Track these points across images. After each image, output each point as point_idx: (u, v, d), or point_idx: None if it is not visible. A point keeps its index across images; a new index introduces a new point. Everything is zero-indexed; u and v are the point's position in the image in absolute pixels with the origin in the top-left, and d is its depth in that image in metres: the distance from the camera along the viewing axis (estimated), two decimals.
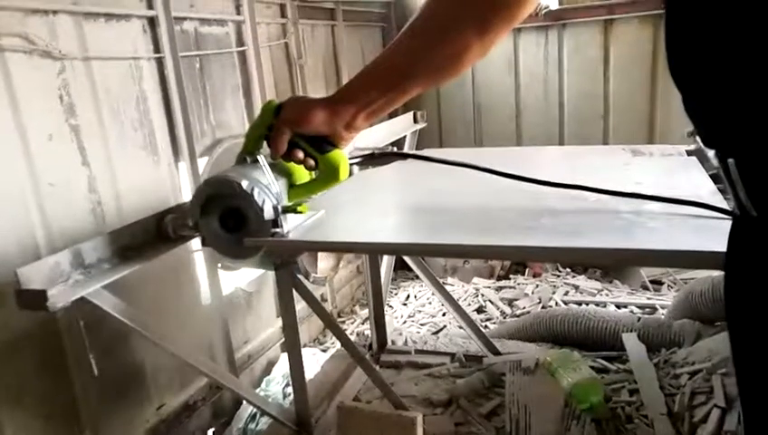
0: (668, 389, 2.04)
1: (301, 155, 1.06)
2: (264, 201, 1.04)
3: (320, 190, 1.15)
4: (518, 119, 4.40)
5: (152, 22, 2.30)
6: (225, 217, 1.09)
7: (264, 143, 1.09)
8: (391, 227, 1.23)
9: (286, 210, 1.08)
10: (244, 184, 1.03)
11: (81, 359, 1.93)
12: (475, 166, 1.17)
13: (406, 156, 1.36)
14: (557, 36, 4.14)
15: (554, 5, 4.04)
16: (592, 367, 2.20)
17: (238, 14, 2.79)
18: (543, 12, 4.00)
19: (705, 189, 1.23)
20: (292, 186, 1.14)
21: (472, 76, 4.37)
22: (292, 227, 1.10)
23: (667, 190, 1.16)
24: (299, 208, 1.09)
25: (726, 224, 0.61)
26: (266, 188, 1.06)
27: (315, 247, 1.30)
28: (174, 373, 2.41)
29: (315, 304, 1.93)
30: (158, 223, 1.36)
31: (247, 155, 1.11)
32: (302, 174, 1.16)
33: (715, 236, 0.91)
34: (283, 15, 3.19)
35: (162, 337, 1.44)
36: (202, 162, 2.55)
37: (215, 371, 1.65)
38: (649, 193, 1.13)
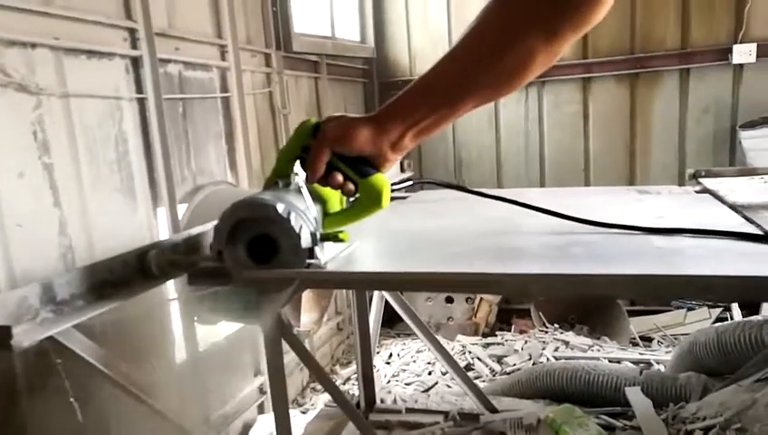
0: None
1: (340, 178, 0.95)
2: (301, 227, 0.90)
3: (360, 218, 1.02)
4: (499, 172, 4.41)
5: (136, 62, 2.23)
6: (254, 245, 0.95)
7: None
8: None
9: (325, 238, 0.94)
10: (280, 208, 0.89)
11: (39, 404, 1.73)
12: (517, 202, 1.14)
13: (448, 186, 1.24)
14: (537, 93, 4.21)
15: None
16: (598, 424, 2.07)
17: (223, 60, 2.74)
18: None
19: (734, 221, 1.17)
20: (326, 214, 1.02)
21: (453, 131, 4.39)
22: (329, 258, 0.96)
23: (693, 223, 1.09)
24: (340, 236, 0.94)
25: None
26: (303, 213, 0.93)
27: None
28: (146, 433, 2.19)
29: (305, 355, 1.78)
30: (139, 258, 1.23)
31: (279, 178, 0.99)
32: (335, 201, 1.04)
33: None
34: (268, 65, 3.16)
35: (145, 391, 1.29)
36: (181, 209, 2.42)
37: (202, 432, 1.48)
38: (680, 227, 1.05)
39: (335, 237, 0.94)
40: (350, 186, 0.96)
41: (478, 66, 0.85)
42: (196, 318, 2.45)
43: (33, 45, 1.83)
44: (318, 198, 1.00)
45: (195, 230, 1.25)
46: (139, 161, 2.25)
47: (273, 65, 3.16)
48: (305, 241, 0.90)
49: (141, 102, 2.25)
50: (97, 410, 1.91)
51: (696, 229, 1.05)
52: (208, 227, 1.27)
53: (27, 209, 1.79)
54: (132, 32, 2.20)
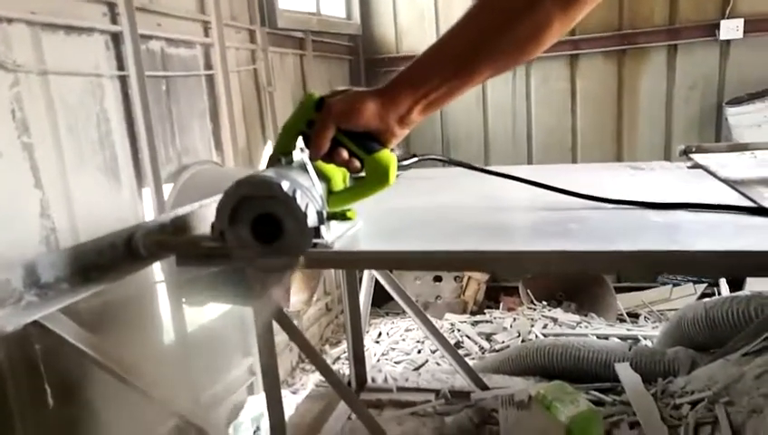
0: (670, 420, 1.94)
1: (345, 155, 0.92)
2: (307, 206, 0.87)
3: (366, 196, 0.98)
4: (486, 152, 4.39)
5: (116, 38, 2.16)
6: (257, 225, 0.91)
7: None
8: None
9: (332, 217, 0.91)
10: (285, 186, 0.86)
11: (29, 389, 1.70)
12: (520, 178, 1.12)
13: (454, 163, 1.21)
14: (525, 70, 4.18)
15: None
16: (588, 399, 2.08)
17: (207, 36, 2.68)
18: None
19: (730, 196, 1.16)
20: (330, 191, 0.98)
21: (440, 110, 4.35)
22: (335, 237, 0.93)
23: (691, 198, 1.08)
24: (348, 214, 0.91)
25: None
26: (308, 191, 0.89)
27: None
28: (136, 417, 2.17)
29: (297, 336, 1.77)
30: (127, 239, 1.20)
31: (282, 155, 0.95)
32: (338, 179, 1.01)
33: None
34: (253, 41, 3.09)
35: (133, 374, 1.26)
36: (167, 189, 2.38)
37: (192, 412, 1.46)
38: (683, 202, 1.04)
39: (342, 216, 0.90)
40: (356, 162, 0.93)
41: (492, 34, 0.83)
42: (184, 300, 2.42)
43: (10, 20, 1.77)
44: (322, 176, 0.97)
45: (182, 210, 1.22)
46: (123, 141, 2.20)
47: (257, 42, 3.10)
48: (312, 220, 0.87)
49: (123, 80, 2.19)
50: (85, 395, 1.88)
51: (699, 204, 1.03)
52: (195, 207, 1.24)
53: (6, 191, 1.74)
54: (112, 6, 2.13)
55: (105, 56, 2.13)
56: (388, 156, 0.93)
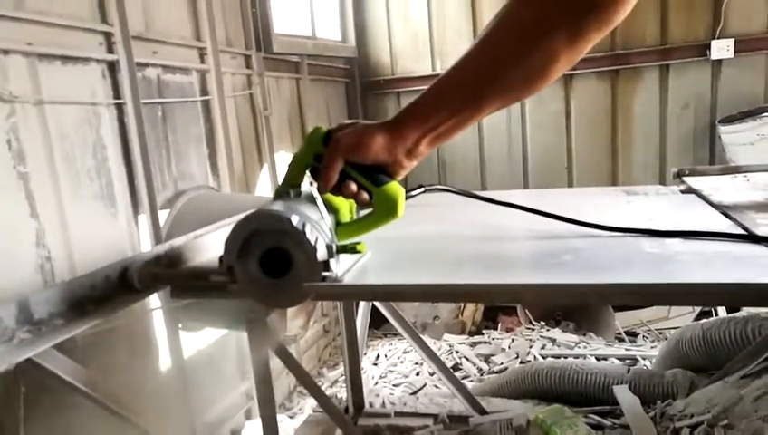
0: None
1: (354, 188, 0.92)
2: (317, 239, 0.86)
3: (374, 228, 0.98)
4: (482, 174, 4.40)
5: (112, 67, 2.18)
6: (266, 259, 0.91)
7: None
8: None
9: (342, 250, 0.91)
10: (295, 220, 0.86)
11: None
12: (524, 207, 1.13)
13: (459, 193, 1.21)
14: None
15: None
16: (587, 423, 2.07)
17: (203, 62, 2.70)
18: None
19: (723, 223, 1.16)
20: (338, 223, 0.99)
21: None
22: (344, 270, 0.92)
23: (684, 225, 1.09)
24: (357, 247, 0.91)
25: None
26: (317, 224, 0.89)
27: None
28: None
29: (292, 363, 1.76)
30: (122, 272, 1.19)
31: (291, 188, 0.96)
32: (345, 211, 1.01)
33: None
34: (249, 66, 3.12)
35: (127, 408, 1.25)
36: (163, 215, 2.38)
37: None
38: (673, 229, 1.05)
39: (352, 249, 0.90)
40: (364, 195, 0.93)
41: (499, 68, 0.83)
42: (180, 325, 2.41)
43: (6, 52, 1.78)
44: (329, 207, 0.97)
45: (177, 241, 1.22)
46: (119, 168, 2.20)
47: (253, 67, 3.12)
48: (321, 254, 0.86)
49: (119, 108, 2.20)
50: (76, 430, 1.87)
51: (694, 232, 1.04)
52: (190, 238, 1.24)
53: (1, 220, 1.74)
54: (108, 36, 2.15)
55: (101, 85, 2.14)
56: (397, 188, 0.93)
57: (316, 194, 0.94)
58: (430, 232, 1.27)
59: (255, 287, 0.91)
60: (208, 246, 1.28)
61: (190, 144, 2.62)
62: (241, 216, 0.92)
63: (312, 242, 0.85)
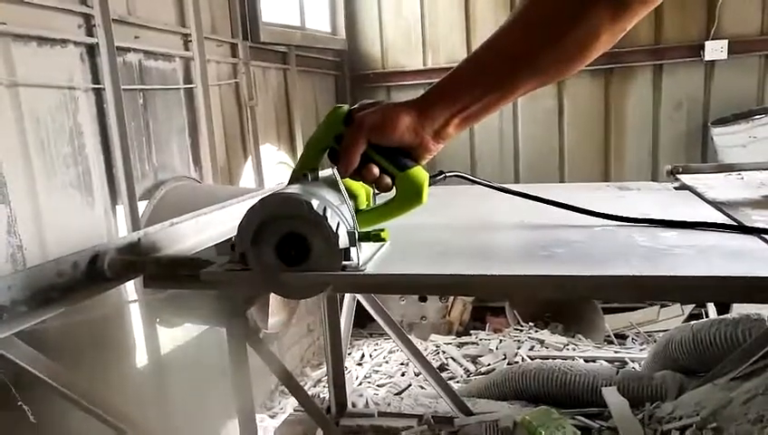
0: None
1: (376, 171, 0.86)
2: (338, 225, 0.80)
3: (397, 215, 0.92)
4: (473, 171, 4.35)
5: (92, 50, 2.11)
6: (282, 246, 0.84)
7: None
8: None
9: (365, 238, 0.83)
10: (315, 204, 0.79)
11: None
12: (540, 198, 1.09)
13: (476, 182, 1.15)
14: None
15: None
16: (574, 425, 2.02)
17: (187, 49, 2.63)
18: None
19: (718, 218, 1.12)
20: (357, 210, 0.92)
21: None
22: (365, 259, 0.85)
23: (680, 218, 1.04)
24: (382, 235, 0.83)
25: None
26: (338, 209, 0.83)
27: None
28: None
29: (272, 360, 1.70)
30: (92, 259, 1.13)
31: (308, 171, 0.90)
32: (362, 197, 0.96)
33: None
34: (234, 55, 3.05)
35: (98, 403, 1.18)
36: (142, 206, 2.31)
37: None
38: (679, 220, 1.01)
39: (376, 237, 0.83)
40: (387, 180, 0.87)
41: (536, 45, 0.78)
42: (158, 320, 2.34)
43: None
44: (348, 193, 0.90)
45: (152, 229, 1.16)
46: (97, 156, 2.13)
47: (239, 56, 3.05)
48: (343, 241, 0.80)
49: (98, 93, 2.13)
50: (47, 427, 1.79)
51: (689, 222, 1.01)
52: (166, 225, 1.18)
53: None
54: (88, 18, 2.08)
55: (80, 69, 2.07)
56: (422, 173, 0.88)
57: (338, 177, 0.88)
58: (430, 223, 1.22)
59: (270, 276, 0.84)
60: (184, 234, 1.22)
61: (172, 133, 2.55)
62: (246, 200, 0.85)
63: (333, 228, 0.79)
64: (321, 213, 0.79)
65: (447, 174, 1.05)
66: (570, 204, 1.09)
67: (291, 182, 0.92)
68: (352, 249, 0.81)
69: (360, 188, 0.94)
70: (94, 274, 1.11)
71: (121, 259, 1.10)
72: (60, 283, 1.07)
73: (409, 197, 0.89)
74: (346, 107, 0.89)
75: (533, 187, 1.28)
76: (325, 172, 0.93)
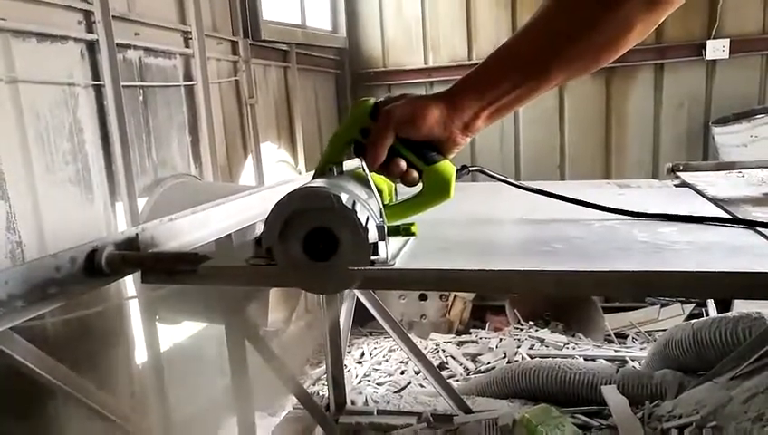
0: None
1: (403, 166, 0.86)
2: (367, 219, 0.79)
3: (424, 209, 0.92)
4: None
5: (92, 47, 2.10)
6: (310, 240, 0.82)
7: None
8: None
9: (395, 232, 0.83)
10: (344, 197, 0.78)
11: None
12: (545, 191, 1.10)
13: (497, 179, 1.14)
14: None
15: None
16: (574, 423, 2.02)
17: (187, 46, 2.62)
18: None
19: (718, 214, 1.12)
20: (384, 204, 0.92)
21: None
22: (392, 253, 0.84)
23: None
24: (412, 229, 0.83)
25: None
26: (367, 203, 0.82)
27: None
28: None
29: (271, 357, 1.70)
30: (89, 254, 1.12)
31: (334, 165, 0.89)
32: (385, 192, 0.95)
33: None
34: (235, 53, 3.04)
35: (91, 398, 1.18)
36: (141, 202, 2.30)
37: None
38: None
39: (406, 231, 0.83)
40: (414, 174, 0.87)
41: (568, 37, 0.77)
42: (157, 317, 2.34)
43: None
44: (376, 187, 0.90)
45: (151, 224, 1.16)
46: (96, 152, 2.13)
47: (239, 53, 3.04)
48: (372, 236, 0.79)
49: (98, 90, 2.12)
50: (43, 422, 1.79)
51: (691, 216, 1.02)
52: (165, 221, 1.18)
53: None
54: (88, 14, 2.07)
55: (79, 65, 2.06)
56: (449, 167, 0.88)
57: (366, 170, 0.87)
58: (432, 218, 1.22)
59: (297, 271, 0.83)
60: (183, 230, 1.22)
61: (172, 130, 2.55)
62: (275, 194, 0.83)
63: (363, 222, 0.78)
64: (351, 207, 0.78)
65: (471, 169, 1.05)
66: (590, 202, 1.11)
67: (316, 176, 0.91)
68: (381, 244, 0.80)
69: (382, 182, 0.94)
70: (92, 269, 1.10)
71: (119, 254, 1.10)
72: (57, 278, 1.06)
73: (437, 191, 0.89)
74: (372, 100, 0.89)
75: (537, 184, 1.27)
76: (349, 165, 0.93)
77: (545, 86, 0.82)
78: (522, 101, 0.84)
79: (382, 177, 0.92)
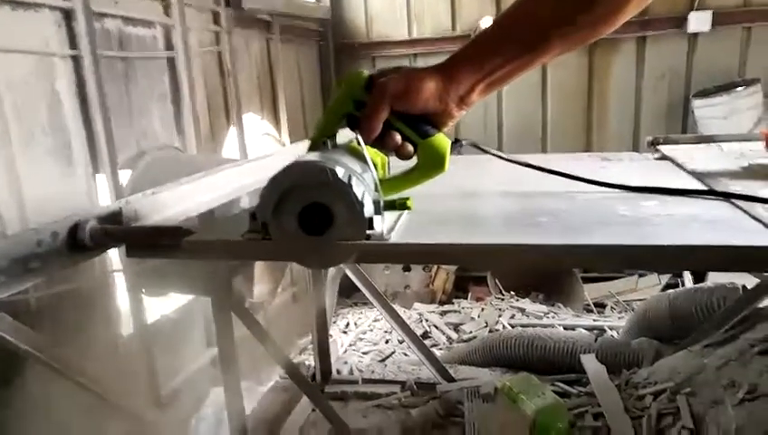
0: (633, 411, 1.94)
1: (398, 139, 0.85)
2: (363, 194, 0.79)
3: (418, 183, 0.92)
4: None
5: (68, 15, 2.05)
6: (303, 215, 0.82)
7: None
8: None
9: (390, 206, 0.83)
10: (340, 172, 0.77)
11: None
12: (540, 167, 1.11)
13: (487, 152, 1.14)
14: None
15: None
16: (554, 391, 2.07)
17: (167, 16, 2.57)
18: None
19: (697, 187, 1.14)
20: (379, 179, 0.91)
21: None
22: (387, 228, 0.84)
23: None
24: (407, 203, 0.84)
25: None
26: (362, 177, 0.81)
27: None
28: (85, 416, 2.09)
29: (257, 329, 1.71)
30: (72, 228, 1.12)
31: (327, 138, 0.88)
32: (378, 164, 0.95)
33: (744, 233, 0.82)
34: (216, 23, 2.99)
35: (77, 372, 1.19)
36: (124, 175, 2.28)
37: (138, 410, 1.40)
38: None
39: (402, 205, 0.83)
40: (409, 147, 0.87)
41: (568, 10, 0.78)
42: (143, 290, 2.34)
43: None
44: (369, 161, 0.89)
45: (134, 197, 1.15)
46: (76, 124, 2.09)
47: (221, 23, 2.99)
48: (368, 210, 0.79)
49: (76, 60, 2.08)
50: (29, 397, 1.80)
51: (674, 189, 1.05)
52: (148, 194, 1.17)
53: None
54: None
55: (56, 34, 2.02)
56: (444, 140, 0.88)
57: (362, 144, 0.87)
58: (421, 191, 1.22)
59: (292, 245, 0.83)
60: (167, 203, 1.22)
61: (154, 102, 2.51)
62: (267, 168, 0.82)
63: (359, 196, 0.78)
64: (347, 181, 0.77)
65: (464, 142, 1.05)
66: (580, 176, 1.12)
67: (310, 149, 0.90)
68: (376, 218, 0.80)
69: (375, 155, 0.94)
70: (75, 243, 1.10)
71: (102, 228, 1.09)
72: (39, 252, 1.06)
73: (432, 165, 0.89)
74: (366, 72, 0.88)
75: (521, 157, 1.28)
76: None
77: (542, 58, 0.82)
78: (518, 73, 0.84)
79: (374, 150, 0.91)
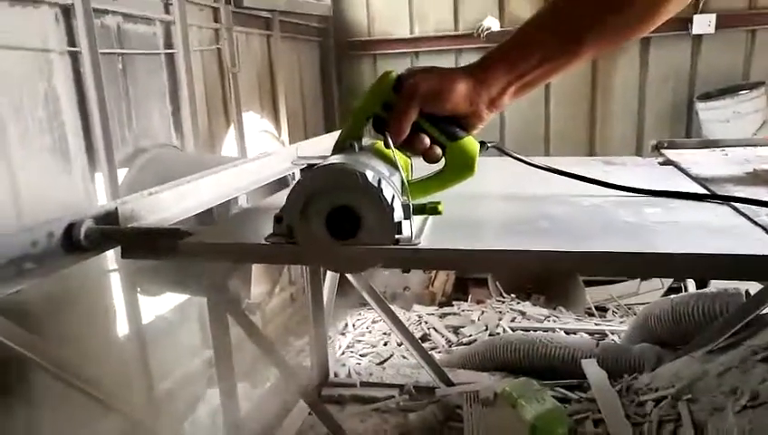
0: (634, 418, 1.92)
1: (427, 142, 0.83)
2: (393, 198, 0.76)
3: (447, 186, 0.89)
4: None
5: (67, 11, 2.03)
6: (333, 219, 0.80)
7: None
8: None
9: (420, 210, 0.81)
10: (369, 175, 0.75)
11: None
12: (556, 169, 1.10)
13: (511, 156, 1.12)
14: None
15: (496, 27, 4.02)
16: (554, 396, 2.05)
17: (167, 13, 2.54)
18: (485, 33, 3.97)
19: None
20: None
21: None
22: (416, 232, 0.81)
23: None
24: (438, 208, 0.81)
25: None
26: (390, 180, 0.79)
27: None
28: (80, 417, 2.07)
29: (252, 330, 1.69)
30: (67, 229, 1.10)
31: (355, 140, 0.87)
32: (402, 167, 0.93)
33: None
34: (217, 20, 2.96)
35: (72, 374, 1.17)
36: (121, 173, 2.26)
37: (132, 411, 1.38)
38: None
39: (432, 209, 0.81)
40: (437, 150, 0.85)
41: (604, 10, 0.76)
42: (139, 289, 2.32)
43: None
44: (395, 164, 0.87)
45: (130, 198, 1.13)
46: (74, 121, 2.07)
47: (221, 21, 2.96)
48: (398, 214, 0.77)
49: (75, 57, 2.06)
50: (22, 399, 1.78)
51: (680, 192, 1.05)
52: (145, 195, 1.15)
53: None
54: None
55: (54, 30, 1.99)
56: (473, 143, 0.86)
57: (392, 147, 0.84)
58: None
59: (319, 250, 0.81)
60: (163, 204, 1.20)
61: (152, 99, 2.49)
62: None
63: (389, 200, 0.76)
64: (377, 184, 0.76)
65: (489, 145, 1.03)
66: (595, 179, 1.12)
67: (335, 151, 0.89)
68: (405, 222, 0.78)
69: (399, 158, 0.91)
70: (70, 244, 1.08)
71: (98, 229, 1.07)
72: (34, 253, 1.04)
73: (460, 168, 0.87)
74: (395, 73, 0.86)
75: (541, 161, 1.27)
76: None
77: (576, 61, 0.80)
78: (551, 76, 0.82)
79: (399, 152, 0.89)
